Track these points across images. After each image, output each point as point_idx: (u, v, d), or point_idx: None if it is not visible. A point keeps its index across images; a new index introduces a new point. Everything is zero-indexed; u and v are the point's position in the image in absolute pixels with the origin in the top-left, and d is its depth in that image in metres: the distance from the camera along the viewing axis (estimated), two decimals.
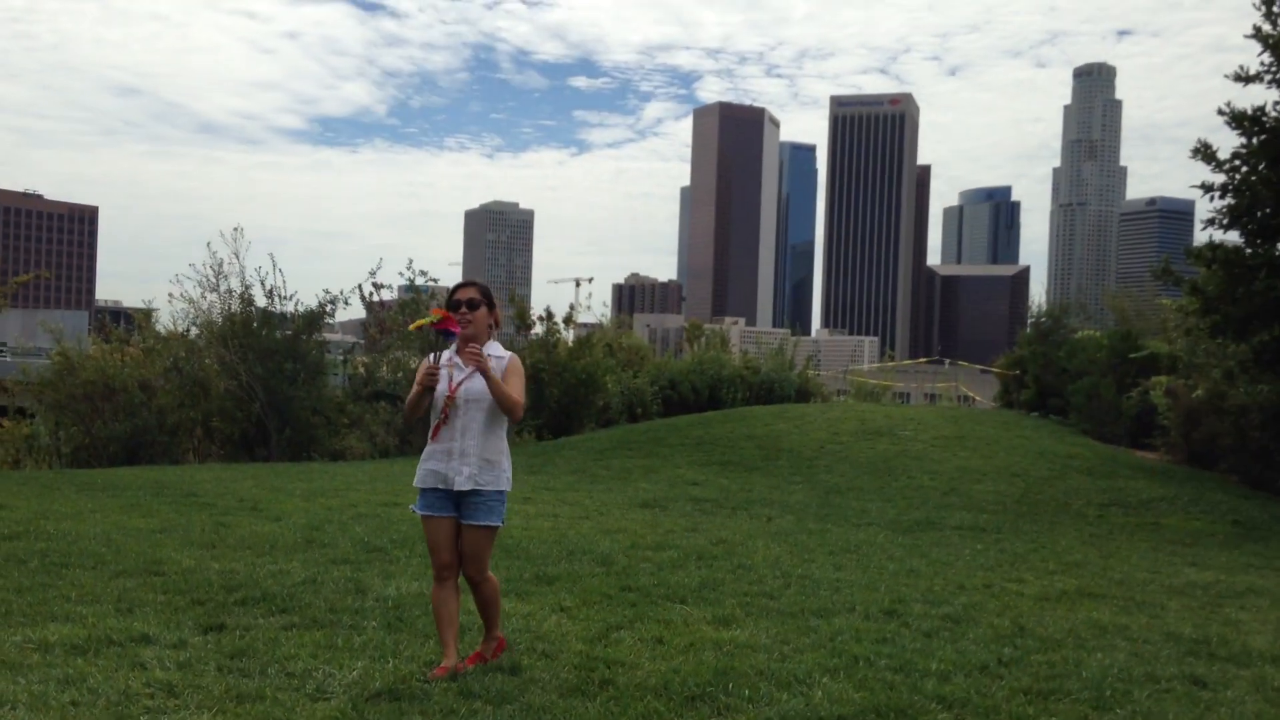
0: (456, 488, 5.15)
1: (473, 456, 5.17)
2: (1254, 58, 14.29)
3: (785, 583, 7.74)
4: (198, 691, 4.54)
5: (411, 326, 5.11)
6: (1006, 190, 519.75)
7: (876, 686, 5.05)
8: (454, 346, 5.32)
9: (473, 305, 5.27)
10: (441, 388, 5.25)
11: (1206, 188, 14.28)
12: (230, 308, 19.76)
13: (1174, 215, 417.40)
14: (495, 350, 5.34)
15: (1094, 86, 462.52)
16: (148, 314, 22.13)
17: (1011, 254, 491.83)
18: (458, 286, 5.42)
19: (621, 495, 13.95)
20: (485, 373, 5.08)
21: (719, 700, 4.79)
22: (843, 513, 13.26)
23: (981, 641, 6.14)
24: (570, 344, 24.79)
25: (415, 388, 5.22)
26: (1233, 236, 14.86)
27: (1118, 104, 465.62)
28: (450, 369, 5.28)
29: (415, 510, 5.28)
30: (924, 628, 6.44)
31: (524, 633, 5.88)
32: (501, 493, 5.25)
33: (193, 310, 20.00)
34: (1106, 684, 5.24)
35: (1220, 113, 14.21)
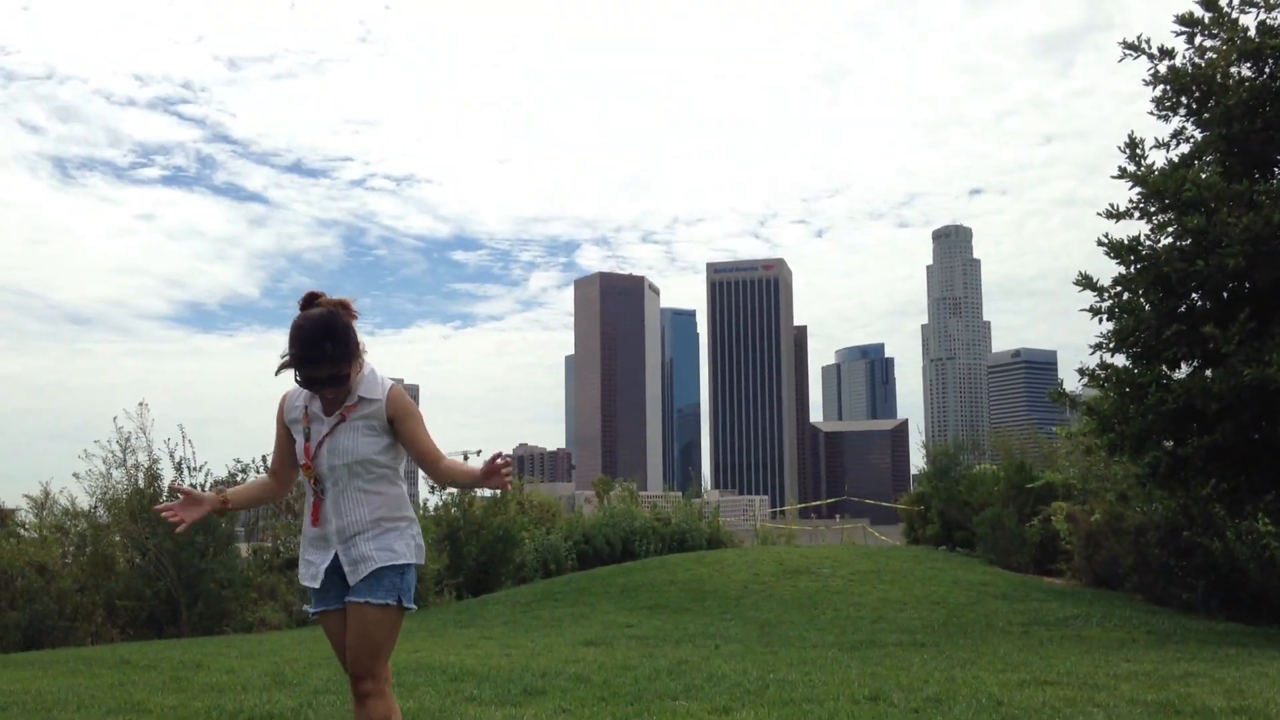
0: (351, 580, 3.90)
1: (363, 534, 3.88)
2: (1120, 197, 15.69)
3: (764, 684, 7.96)
4: None
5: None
6: (880, 348, 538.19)
7: None
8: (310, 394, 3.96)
9: (337, 374, 3.79)
10: (298, 448, 3.94)
11: (1095, 311, 15.33)
12: (138, 482, 19.38)
13: (1038, 365, 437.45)
14: (370, 391, 3.90)
15: (953, 247, 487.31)
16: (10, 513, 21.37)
17: (890, 408, 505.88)
18: (306, 334, 3.74)
19: (561, 638, 13.92)
20: None
21: None
22: (784, 639, 13.46)
23: (965, 715, 6.45)
24: (484, 502, 24.85)
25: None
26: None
27: (976, 263, 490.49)
28: (305, 422, 3.90)
29: (310, 612, 4.10)
30: (909, 706, 6.72)
31: None
32: (404, 567, 3.91)
33: (101, 486, 19.51)
34: None
35: (1099, 243, 15.39)
